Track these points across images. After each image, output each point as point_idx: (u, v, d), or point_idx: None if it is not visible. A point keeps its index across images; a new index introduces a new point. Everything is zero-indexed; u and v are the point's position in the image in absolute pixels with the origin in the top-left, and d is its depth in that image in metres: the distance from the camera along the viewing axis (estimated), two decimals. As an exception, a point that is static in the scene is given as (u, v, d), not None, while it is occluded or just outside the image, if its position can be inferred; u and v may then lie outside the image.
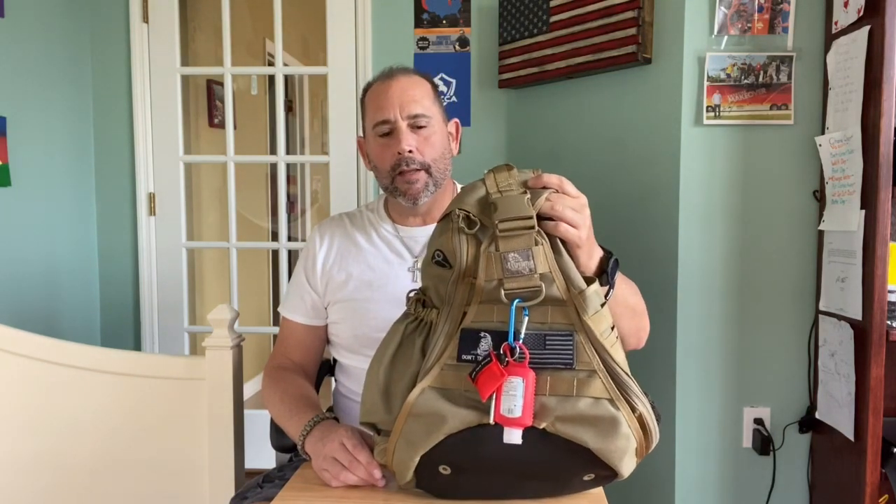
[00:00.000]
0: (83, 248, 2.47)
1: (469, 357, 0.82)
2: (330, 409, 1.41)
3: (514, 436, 0.78)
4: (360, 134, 1.33)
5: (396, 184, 1.22)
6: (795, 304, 1.75)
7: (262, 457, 1.72)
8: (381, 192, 1.32)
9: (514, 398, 0.78)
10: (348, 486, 0.95)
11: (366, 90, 1.27)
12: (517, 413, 0.77)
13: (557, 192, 0.85)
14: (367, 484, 0.95)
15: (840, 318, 1.60)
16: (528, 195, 0.82)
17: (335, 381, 1.39)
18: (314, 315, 1.31)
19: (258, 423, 1.74)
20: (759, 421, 1.77)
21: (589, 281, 0.83)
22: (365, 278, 1.25)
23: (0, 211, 2.05)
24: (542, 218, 0.82)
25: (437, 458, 0.83)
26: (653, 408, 0.83)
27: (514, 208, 0.81)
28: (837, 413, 1.61)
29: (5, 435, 1.54)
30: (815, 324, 1.73)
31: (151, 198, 2.51)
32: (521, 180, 0.85)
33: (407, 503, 0.90)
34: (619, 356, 0.83)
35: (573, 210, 0.84)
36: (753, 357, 1.77)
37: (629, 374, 0.82)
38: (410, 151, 1.19)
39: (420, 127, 1.20)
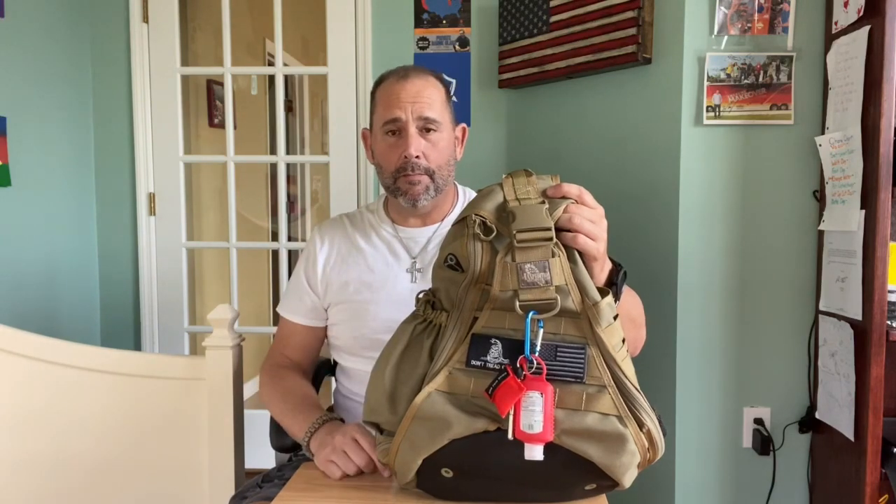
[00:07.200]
0: (83, 248, 2.47)
1: (478, 363, 0.81)
2: (330, 409, 1.41)
3: (535, 452, 0.77)
4: (367, 126, 1.32)
5: (399, 184, 1.21)
6: (795, 304, 1.75)
7: (262, 457, 1.72)
8: (382, 192, 1.32)
9: (534, 413, 0.76)
10: (349, 486, 0.95)
11: (378, 84, 1.26)
12: (538, 429, 0.76)
13: (576, 202, 0.84)
14: (373, 472, 0.95)
15: (840, 318, 1.60)
16: (547, 205, 0.81)
17: (336, 381, 1.39)
18: (313, 316, 1.31)
19: (258, 423, 1.74)
20: (759, 421, 1.77)
21: (603, 293, 0.82)
22: (365, 280, 1.25)
23: (0, 211, 2.06)
24: (559, 229, 0.82)
25: (440, 461, 0.83)
26: (659, 422, 0.83)
27: (532, 219, 0.80)
28: (837, 413, 1.61)
29: (5, 435, 1.54)
30: (815, 324, 1.73)
31: (151, 198, 2.51)
32: (540, 188, 0.84)
33: (407, 503, 0.90)
34: (629, 370, 0.82)
35: (591, 222, 0.83)
36: (753, 357, 1.77)
37: (638, 388, 0.82)
38: (417, 157, 1.18)
39: (429, 130, 1.20)
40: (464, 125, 1.32)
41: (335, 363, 1.39)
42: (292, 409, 1.14)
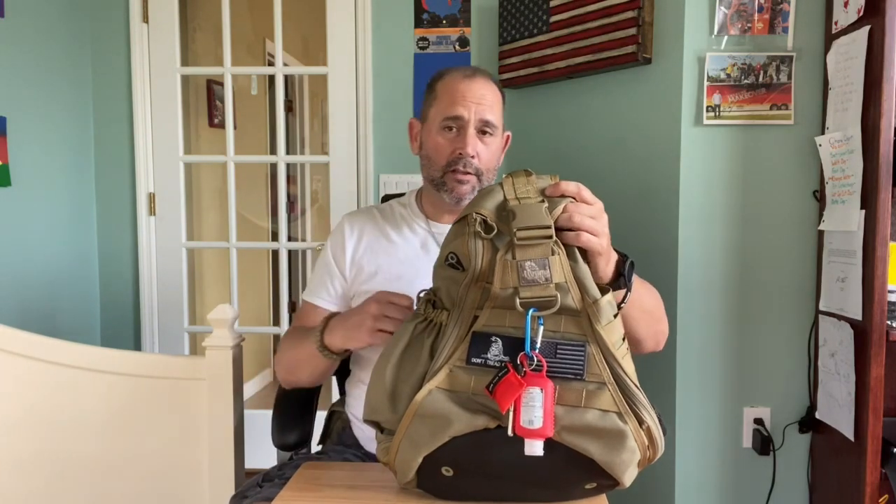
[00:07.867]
0: (83, 248, 2.47)
1: (479, 360, 0.82)
2: (335, 405, 1.41)
3: (536, 447, 0.78)
4: (414, 116, 1.35)
5: (446, 179, 1.23)
6: (795, 304, 1.75)
7: (262, 457, 1.72)
8: (410, 189, 1.33)
9: (534, 409, 0.77)
10: (349, 486, 0.95)
11: (438, 78, 1.28)
12: (538, 424, 0.77)
13: (575, 199, 0.85)
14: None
15: (840, 318, 1.60)
16: (546, 204, 0.82)
17: (343, 375, 1.39)
18: (341, 304, 1.30)
19: (258, 423, 1.75)
20: (759, 421, 1.77)
21: (603, 291, 0.83)
22: (394, 271, 1.26)
23: (0, 211, 2.06)
24: (561, 229, 0.82)
25: (441, 459, 0.83)
26: (659, 421, 0.83)
27: (532, 217, 0.81)
28: (837, 413, 1.61)
29: (5, 435, 1.54)
30: (815, 324, 1.73)
31: (151, 198, 2.51)
32: (540, 188, 0.85)
33: (408, 503, 0.90)
34: (629, 367, 0.83)
35: (592, 218, 0.84)
36: (753, 357, 1.77)
37: (638, 385, 0.82)
38: (473, 156, 1.21)
39: (485, 133, 1.23)
40: (508, 133, 1.34)
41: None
42: (300, 338, 1.17)
